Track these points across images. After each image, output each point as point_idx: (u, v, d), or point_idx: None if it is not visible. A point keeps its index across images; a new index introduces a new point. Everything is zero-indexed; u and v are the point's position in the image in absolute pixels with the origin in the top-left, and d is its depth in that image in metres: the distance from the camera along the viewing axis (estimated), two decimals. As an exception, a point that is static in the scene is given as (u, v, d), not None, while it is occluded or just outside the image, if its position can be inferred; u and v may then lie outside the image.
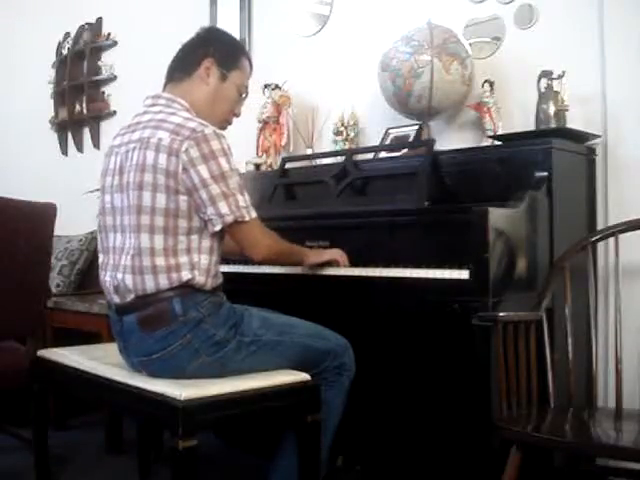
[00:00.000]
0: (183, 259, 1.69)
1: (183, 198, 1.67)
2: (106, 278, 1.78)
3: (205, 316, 1.69)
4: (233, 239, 1.78)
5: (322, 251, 2.05)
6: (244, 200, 1.72)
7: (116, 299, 1.74)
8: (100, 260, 1.83)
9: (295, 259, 1.99)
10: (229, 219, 1.69)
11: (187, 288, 1.69)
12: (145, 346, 1.69)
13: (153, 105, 1.81)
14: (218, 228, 1.70)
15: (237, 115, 1.96)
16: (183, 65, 1.87)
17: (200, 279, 1.70)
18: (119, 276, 1.71)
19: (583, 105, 2.25)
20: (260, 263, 1.90)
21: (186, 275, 1.68)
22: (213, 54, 1.85)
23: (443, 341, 1.97)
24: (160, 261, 1.67)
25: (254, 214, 1.75)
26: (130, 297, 1.70)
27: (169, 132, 1.68)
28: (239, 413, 1.67)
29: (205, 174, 1.66)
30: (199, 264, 1.71)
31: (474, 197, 2.01)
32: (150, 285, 1.67)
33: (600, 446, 1.56)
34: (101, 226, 1.83)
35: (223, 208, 1.68)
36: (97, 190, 3.01)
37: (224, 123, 1.92)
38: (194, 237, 1.71)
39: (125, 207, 1.72)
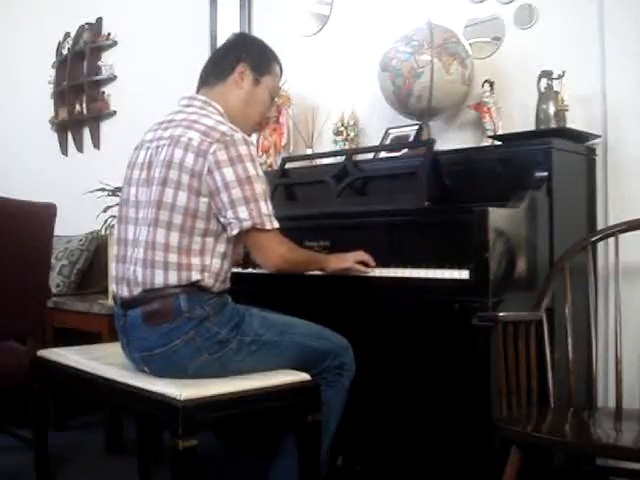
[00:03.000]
0: (195, 260, 1.69)
1: (204, 200, 1.68)
2: (118, 269, 1.79)
3: (210, 315, 1.70)
4: (248, 246, 1.79)
5: (345, 255, 1.99)
6: (267, 208, 1.72)
7: (123, 292, 1.75)
8: (115, 251, 1.84)
9: (314, 267, 1.96)
10: (247, 224, 1.69)
11: (194, 287, 1.69)
12: (148, 341, 1.69)
13: (188, 106, 1.83)
14: (235, 232, 1.70)
15: (269, 118, 1.99)
16: (217, 70, 1.89)
17: (209, 282, 1.71)
18: (131, 268, 1.72)
19: (583, 105, 2.24)
20: (278, 272, 1.84)
21: (195, 276, 1.68)
22: (246, 59, 1.88)
23: (443, 341, 1.97)
24: (173, 258, 1.68)
25: (276, 224, 1.74)
26: (137, 290, 1.71)
27: (200, 133, 1.70)
28: (239, 413, 1.67)
29: (230, 177, 1.67)
30: (210, 267, 1.71)
31: (474, 197, 2.01)
32: (159, 280, 1.68)
33: (600, 446, 1.56)
34: (121, 217, 1.84)
35: (242, 213, 1.68)
36: (97, 190, 3.02)
37: (257, 126, 1.96)
38: (209, 240, 1.71)
39: (147, 201, 1.73)
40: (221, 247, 1.74)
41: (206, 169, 1.67)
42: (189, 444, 1.50)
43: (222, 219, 1.70)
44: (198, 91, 1.90)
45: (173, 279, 1.67)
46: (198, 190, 1.68)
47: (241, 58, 1.88)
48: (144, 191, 1.76)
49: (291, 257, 1.81)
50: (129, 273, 1.72)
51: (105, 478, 2.49)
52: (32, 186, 3.54)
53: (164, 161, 1.71)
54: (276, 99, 1.98)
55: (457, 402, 1.94)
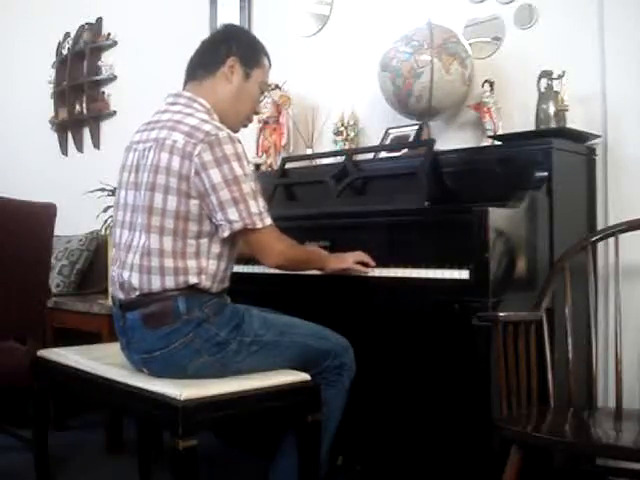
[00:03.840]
0: (191, 263, 1.68)
1: (194, 202, 1.67)
2: (113, 273, 1.79)
3: (209, 316, 1.69)
4: (245, 245, 1.78)
5: (344, 255, 1.98)
6: (257, 206, 1.69)
7: (120, 295, 1.74)
8: (112, 254, 1.85)
9: (314, 265, 1.95)
10: (237, 226, 1.68)
11: (192, 289, 1.69)
12: (147, 343, 1.69)
13: (174, 104, 1.80)
14: (226, 234, 1.69)
15: (258, 112, 1.98)
16: (205, 63, 1.85)
17: (206, 284, 1.71)
18: (125, 274, 1.71)
19: (583, 105, 2.24)
20: (277, 268, 1.84)
21: (192, 279, 1.68)
22: (236, 52, 1.84)
23: (443, 341, 1.97)
24: (169, 263, 1.67)
25: (268, 221, 1.73)
26: (135, 294, 1.70)
27: (184, 134, 1.67)
28: (239, 413, 1.67)
29: (216, 178, 1.65)
30: (207, 269, 1.70)
31: (474, 197, 2.01)
32: (156, 284, 1.67)
33: (600, 446, 1.56)
34: (116, 221, 1.84)
35: (232, 214, 1.67)
36: (97, 190, 3.02)
37: (246, 121, 1.94)
38: (203, 241, 1.70)
39: (137, 205, 1.73)
40: (216, 248, 1.73)
41: (193, 171, 1.65)
42: (189, 444, 1.50)
43: (214, 220, 1.69)
44: (185, 85, 1.86)
45: (170, 283, 1.67)
46: (187, 193, 1.66)
47: (231, 51, 1.84)
48: (133, 194, 1.75)
49: (290, 255, 1.80)
50: (124, 277, 1.72)
51: (105, 478, 2.49)
52: (32, 186, 3.54)
53: (151, 165, 1.70)
54: (265, 93, 1.96)
55: (457, 402, 1.94)
